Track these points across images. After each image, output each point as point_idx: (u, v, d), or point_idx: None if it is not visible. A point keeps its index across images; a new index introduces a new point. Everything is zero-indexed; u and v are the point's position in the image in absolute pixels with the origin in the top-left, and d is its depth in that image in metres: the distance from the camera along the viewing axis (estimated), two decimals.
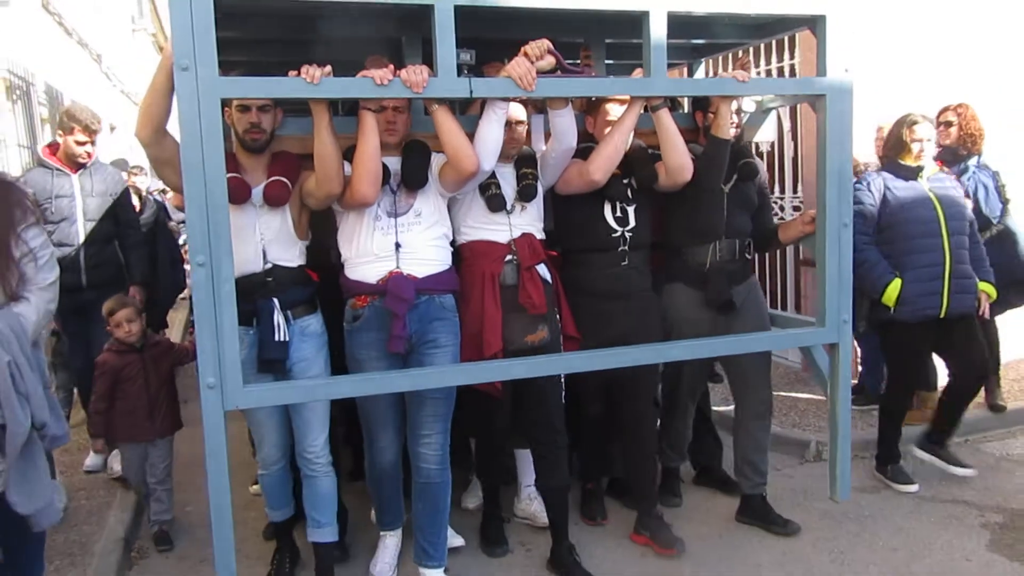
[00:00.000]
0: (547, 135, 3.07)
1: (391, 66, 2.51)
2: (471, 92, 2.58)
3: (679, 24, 3.06)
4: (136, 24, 15.69)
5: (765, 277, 6.12)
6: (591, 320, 3.27)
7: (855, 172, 3.66)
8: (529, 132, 3.14)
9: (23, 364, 2.36)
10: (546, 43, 2.66)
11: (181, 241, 7.13)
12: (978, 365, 3.84)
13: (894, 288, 3.69)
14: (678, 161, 3.06)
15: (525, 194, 3.07)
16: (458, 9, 2.49)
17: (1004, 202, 4.49)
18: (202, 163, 2.32)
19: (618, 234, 3.26)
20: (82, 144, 4.10)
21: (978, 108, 4.59)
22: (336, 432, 3.29)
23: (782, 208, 5.82)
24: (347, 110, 3.26)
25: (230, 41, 2.37)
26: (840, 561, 3.33)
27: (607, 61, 3.67)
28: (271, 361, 2.83)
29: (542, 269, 3.13)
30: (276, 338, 2.81)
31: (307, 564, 3.22)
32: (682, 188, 3.18)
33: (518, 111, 3.05)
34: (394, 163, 2.87)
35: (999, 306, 4.22)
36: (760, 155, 5.77)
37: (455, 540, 3.38)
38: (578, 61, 3.60)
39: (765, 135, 3.86)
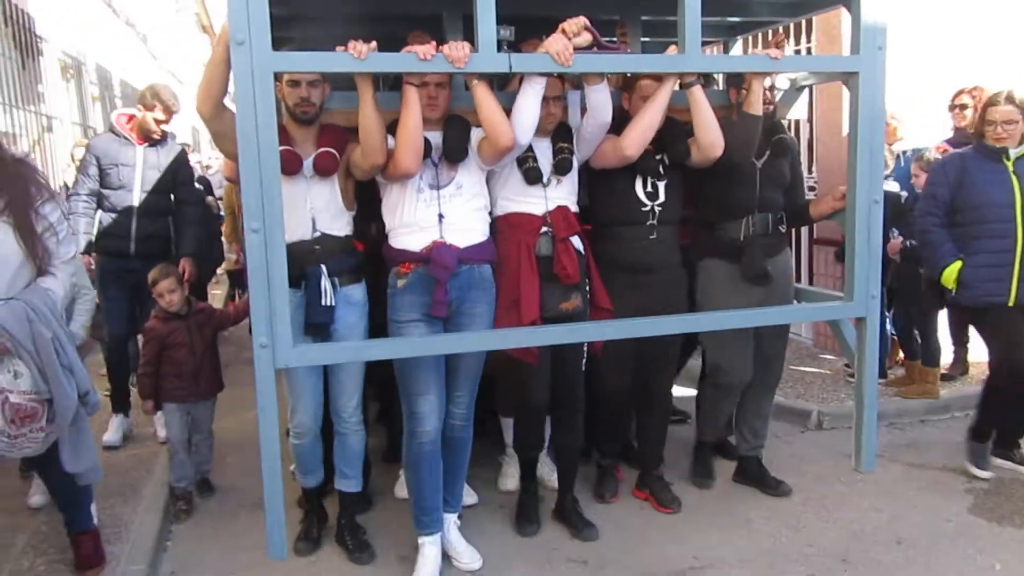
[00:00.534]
0: (583, 110, 3.13)
1: (434, 42, 2.59)
2: (511, 68, 2.65)
3: (715, 2, 3.10)
4: (179, 4, 15.91)
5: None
6: (619, 291, 3.34)
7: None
8: (566, 107, 3.19)
9: (63, 338, 2.50)
10: (583, 20, 2.71)
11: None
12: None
13: (952, 271, 3.59)
14: (710, 137, 3.11)
15: (561, 168, 3.13)
16: None
17: None
18: (256, 135, 2.42)
19: (648, 208, 3.31)
20: (160, 122, 4.22)
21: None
22: (367, 395, 3.38)
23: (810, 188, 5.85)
24: (390, 85, 3.34)
25: (278, 18, 2.46)
26: (826, 519, 3.51)
27: (643, 38, 3.70)
28: (316, 325, 2.93)
29: (576, 240, 3.20)
30: (322, 303, 2.91)
31: (333, 529, 3.33)
32: (714, 164, 3.22)
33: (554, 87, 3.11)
34: (435, 137, 2.94)
35: None
36: None
37: (469, 498, 3.60)
38: (614, 38, 3.65)
39: (798, 112, 3.86)
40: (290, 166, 2.78)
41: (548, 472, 3.70)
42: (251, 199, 2.45)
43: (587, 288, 3.28)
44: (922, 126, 5.18)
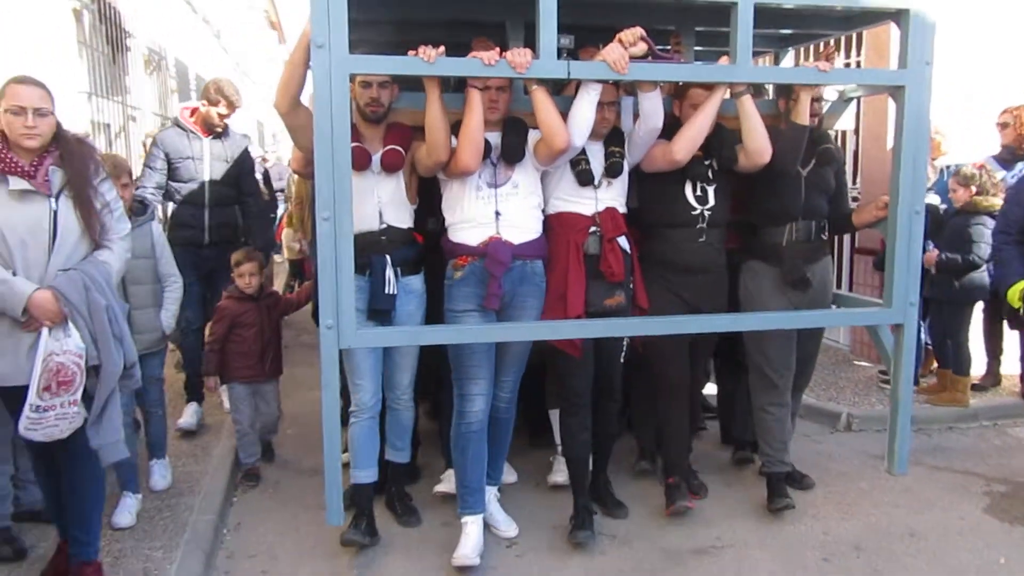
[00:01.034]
0: (635, 116, 3.21)
1: (497, 48, 2.70)
2: (569, 74, 2.75)
3: (768, 14, 3.15)
4: (252, 1, 16.30)
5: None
6: (666, 291, 3.41)
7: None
8: (619, 112, 3.28)
9: (116, 308, 2.57)
10: (639, 31, 2.80)
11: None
12: None
13: (1016, 289, 3.56)
14: (757, 144, 3.16)
15: (612, 171, 3.22)
16: None
17: None
18: (331, 131, 2.57)
19: (697, 212, 3.38)
20: (224, 116, 4.31)
21: None
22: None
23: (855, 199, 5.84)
24: (453, 87, 3.46)
25: (353, 22, 2.58)
26: (844, 511, 3.61)
27: (696, 47, 3.76)
28: (378, 311, 3.05)
29: (622, 241, 3.28)
30: (386, 291, 3.04)
31: (386, 546, 3.26)
32: (761, 170, 3.28)
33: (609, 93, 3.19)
34: (495, 138, 3.05)
35: None
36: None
37: (509, 477, 3.77)
38: (668, 47, 3.71)
39: (845, 123, 3.89)
40: (359, 162, 2.92)
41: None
42: (324, 190, 2.60)
43: (631, 287, 3.37)
44: (969, 142, 5.17)
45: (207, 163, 4.30)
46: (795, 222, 3.47)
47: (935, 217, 4.81)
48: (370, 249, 3.02)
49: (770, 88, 3.98)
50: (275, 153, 13.76)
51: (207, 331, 3.97)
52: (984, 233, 4.47)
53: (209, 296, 4.42)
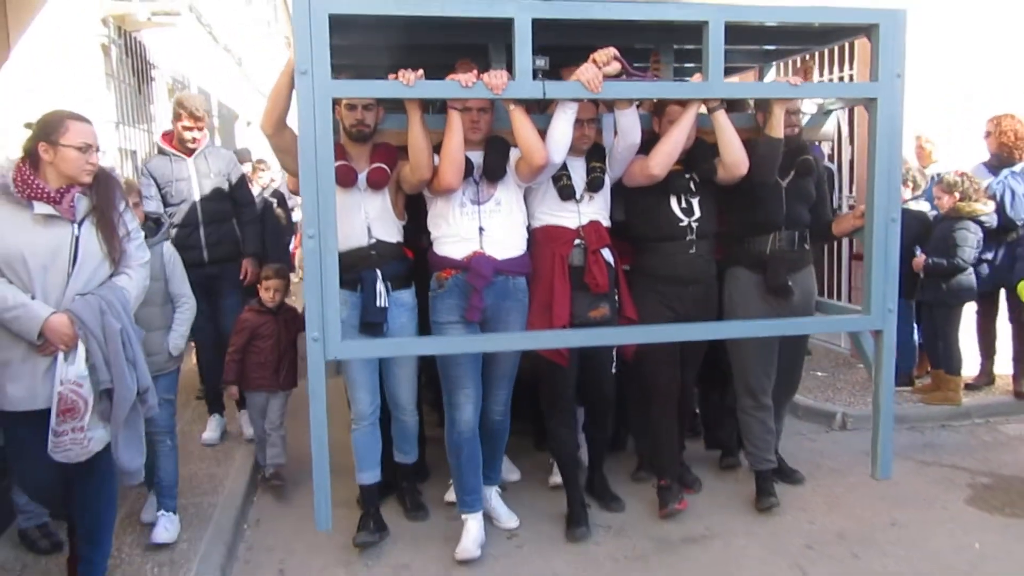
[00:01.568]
0: (616, 132, 3.24)
1: (475, 71, 2.76)
2: (544, 93, 2.79)
3: (750, 31, 3.17)
4: (271, 28, 16.57)
5: (823, 270, 6.20)
6: (657, 304, 3.44)
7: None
8: (600, 129, 3.32)
9: (131, 333, 2.59)
10: (612, 51, 2.83)
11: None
12: None
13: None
14: (733, 157, 3.19)
15: (593, 185, 3.26)
16: (535, 22, 2.70)
17: None
18: (315, 152, 2.62)
19: (685, 223, 3.40)
20: (188, 130, 4.15)
21: None
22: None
23: (839, 207, 5.82)
24: (438, 108, 3.52)
25: (338, 47, 2.65)
26: (831, 503, 3.71)
27: (676, 64, 3.79)
28: (371, 324, 3.10)
29: (606, 253, 3.31)
30: (377, 304, 3.09)
31: (396, 538, 3.41)
32: (741, 182, 3.30)
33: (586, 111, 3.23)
34: (477, 157, 3.11)
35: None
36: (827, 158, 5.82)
37: (512, 475, 3.88)
38: (647, 64, 3.75)
39: (825, 134, 3.89)
40: (346, 179, 2.99)
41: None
42: (308, 208, 2.65)
43: (616, 298, 3.39)
44: (969, 142, 5.19)
45: (195, 182, 4.21)
46: (778, 231, 3.49)
47: (924, 223, 4.82)
48: (361, 264, 3.08)
49: (751, 102, 4.00)
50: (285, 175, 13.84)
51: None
52: (968, 237, 4.53)
53: (212, 313, 4.29)
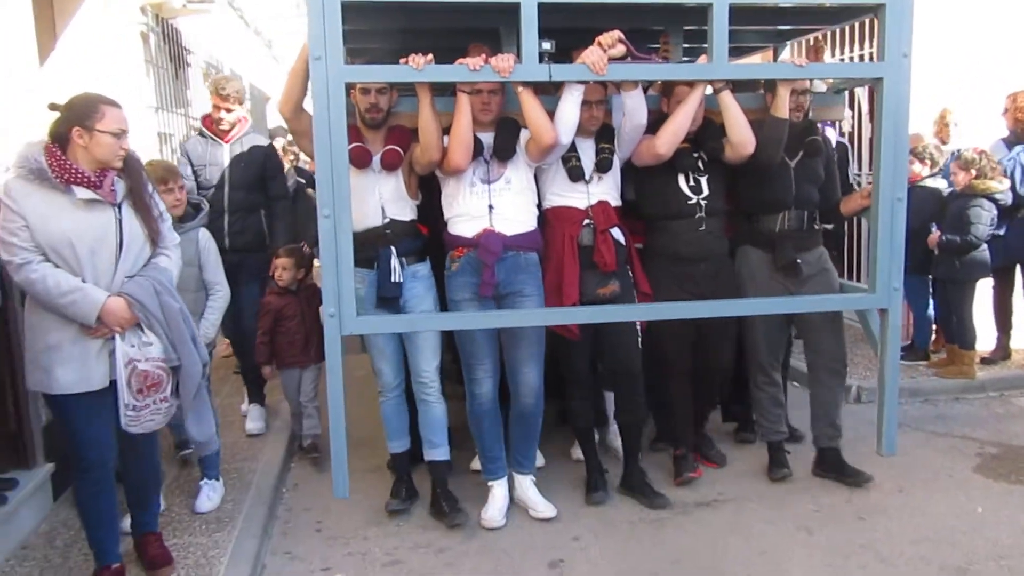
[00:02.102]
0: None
1: (484, 55, 2.79)
2: (550, 76, 2.82)
3: (764, 11, 3.15)
4: (299, 10, 16.63)
5: (843, 250, 6.11)
6: (671, 281, 3.45)
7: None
8: (609, 110, 3.33)
9: (186, 311, 2.63)
10: (618, 33, 2.84)
11: None
12: None
13: None
14: (740, 137, 3.19)
15: (602, 166, 3.28)
16: (542, 5, 2.72)
17: None
18: (329, 135, 2.69)
19: (694, 202, 3.40)
20: (219, 109, 4.07)
21: None
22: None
23: (859, 184, 5.73)
24: (451, 91, 3.55)
25: (354, 32, 2.70)
26: None
27: (686, 45, 3.78)
28: (387, 299, 3.18)
29: (616, 232, 3.33)
30: (392, 279, 3.16)
31: (424, 501, 3.48)
32: (749, 161, 3.30)
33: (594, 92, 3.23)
34: (488, 138, 3.14)
35: None
36: (843, 134, 5.73)
37: (538, 460, 3.75)
38: (657, 45, 3.74)
39: (835, 114, 3.85)
40: (361, 161, 3.05)
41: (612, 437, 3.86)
42: (323, 189, 2.73)
43: (629, 275, 3.42)
44: (988, 120, 5.09)
45: (227, 169, 4.12)
46: (788, 211, 3.48)
47: (940, 200, 4.76)
48: (376, 243, 3.15)
49: (763, 83, 3.97)
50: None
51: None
52: (981, 215, 4.49)
53: (241, 300, 4.07)
